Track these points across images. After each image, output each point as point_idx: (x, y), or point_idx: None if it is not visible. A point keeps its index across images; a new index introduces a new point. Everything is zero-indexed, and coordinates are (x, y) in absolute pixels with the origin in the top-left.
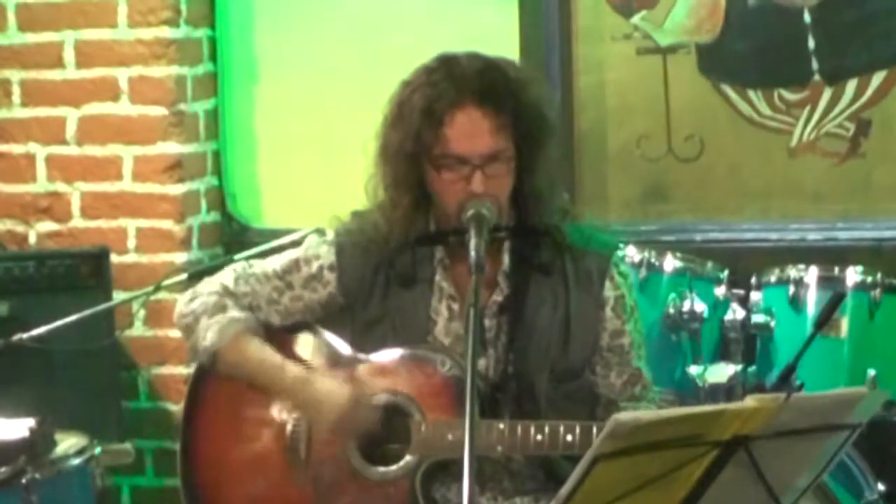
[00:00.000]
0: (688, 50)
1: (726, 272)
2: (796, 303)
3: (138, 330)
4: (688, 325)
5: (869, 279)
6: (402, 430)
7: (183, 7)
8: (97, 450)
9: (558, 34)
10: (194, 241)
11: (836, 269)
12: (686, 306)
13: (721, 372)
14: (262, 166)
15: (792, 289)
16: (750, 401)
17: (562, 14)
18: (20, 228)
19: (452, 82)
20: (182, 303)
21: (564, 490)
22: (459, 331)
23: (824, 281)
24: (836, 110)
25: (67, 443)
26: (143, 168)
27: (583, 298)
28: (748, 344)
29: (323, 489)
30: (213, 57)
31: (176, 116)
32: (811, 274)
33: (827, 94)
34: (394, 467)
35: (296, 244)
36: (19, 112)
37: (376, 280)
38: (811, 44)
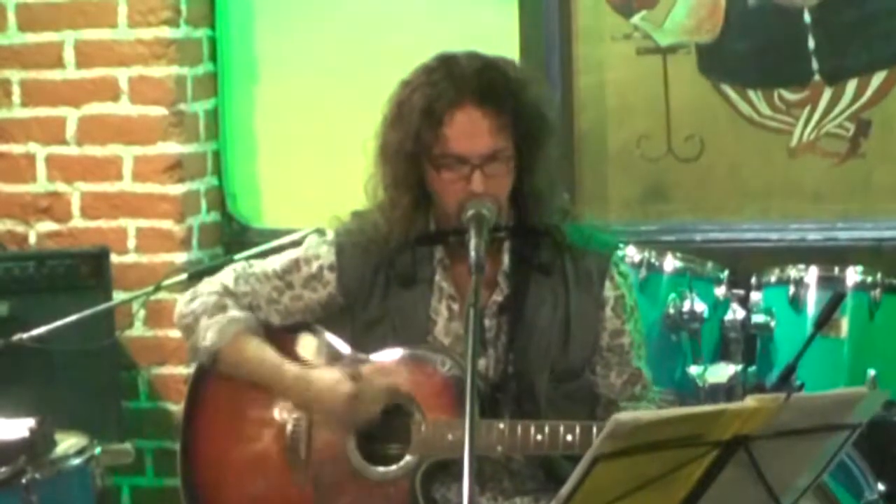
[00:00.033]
0: (688, 50)
1: (726, 272)
2: (796, 303)
3: (138, 330)
4: (688, 325)
5: (869, 279)
6: (403, 430)
7: (183, 7)
8: (97, 450)
9: (558, 34)
10: (194, 241)
11: (836, 270)
12: (686, 306)
13: (721, 372)
14: (262, 166)
15: (792, 289)
16: (750, 401)
17: (562, 14)
18: (20, 228)
19: (452, 82)
20: (182, 303)
21: (564, 490)
22: (459, 331)
23: (824, 281)
24: (836, 110)
25: (67, 443)
26: (143, 168)
27: (583, 298)
28: (748, 344)
29: (323, 489)
30: (213, 57)
31: (176, 116)
32: (811, 274)
33: (827, 94)
34: (394, 467)
35: (296, 244)
36: (19, 112)
37: (376, 280)
38: (811, 44)
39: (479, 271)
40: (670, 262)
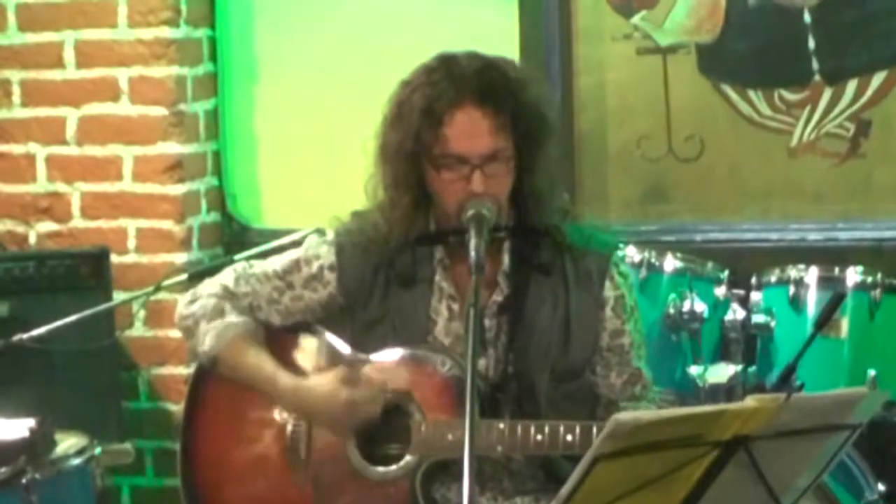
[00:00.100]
0: (688, 50)
1: (726, 272)
2: (796, 303)
3: (138, 330)
4: (688, 325)
5: (869, 279)
6: (403, 430)
7: (183, 7)
8: (97, 450)
9: (558, 34)
10: (194, 242)
11: (837, 270)
12: (686, 306)
13: (721, 372)
14: (262, 166)
15: (792, 289)
16: (750, 401)
17: (562, 14)
18: (20, 229)
19: (452, 82)
20: (182, 304)
21: (565, 490)
22: (459, 331)
23: (824, 281)
24: (837, 110)
25: (67, 443)
26: (144, 168)
27: (583, 298)
28: (748, 344)
29: (323, 489)
30: (213, 57)
31: (176, 116)
32: (811, 274)
33: (827, 94)
34: (394, 467)
35: (296, 244)
36: (19, 112)
37: (376, 280)
38: (811, 44)
39: (479, 271)
40: (670, 263)
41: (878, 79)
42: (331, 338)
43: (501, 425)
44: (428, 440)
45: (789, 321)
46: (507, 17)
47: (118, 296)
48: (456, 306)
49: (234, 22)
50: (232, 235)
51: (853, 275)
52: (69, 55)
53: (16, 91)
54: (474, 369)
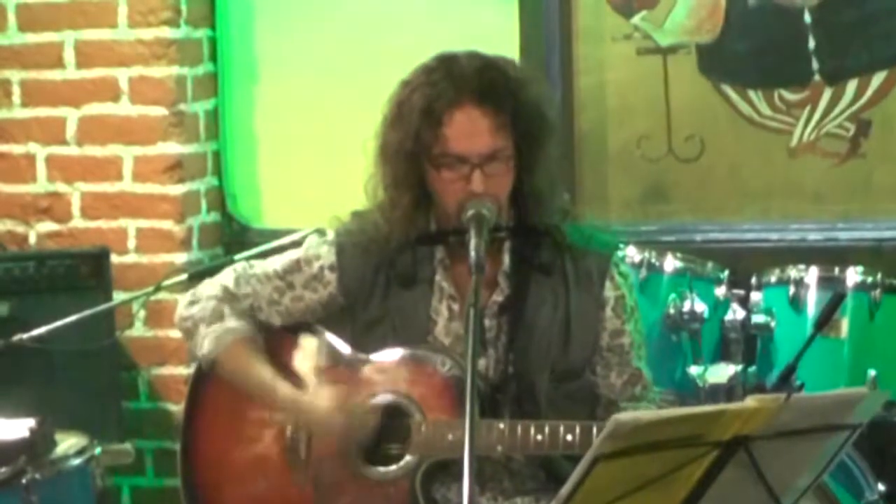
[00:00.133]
0: (688, 50)
1: (726, 272)
2: (796, 303)
3: (138, 330)
4: (688, 325)
5: (869, 279)
6: (403, 430)
7: (183, 7)
8: (97, 450)
9: (558, 34)
10: (194, 242)
11: (837, 270)
12: (686, 306)
13: (721, 372)
14: (262, 166)
15: (792, 289)
16: (750, 401)
17: (562, 14)
18: (20, 229)
19: (451, 81)
20: (182, 305)
21: (565, 490)
22: (460, 331)
23: (824, 281)
24: (837, 110)
25: (67, 443)
26: (144, 168)
27: (583, 298)
28: (748, 344)
29: (323, 489)
30: (214, 57)
31: (176, 117)
32: (811, 274)
33: (827, 94)
34: (394, 467)
35: (296, 244)
36: (19, 112)
37: (377, 280)
38: (811, 44)
39: (479, 271)
40: (670, 263)
41: (878, 79)
42: (331, 338)
43: (501, 425)
44: (428, 440)
45: (789, 321)
46: (507, 17)
47: (118, 296)
48: (456, 306)
49: (234, 22)
50: (232, 235)
51: (853, 275)
52: (69, 55)
53: (16, 91)
54: (474, 369)
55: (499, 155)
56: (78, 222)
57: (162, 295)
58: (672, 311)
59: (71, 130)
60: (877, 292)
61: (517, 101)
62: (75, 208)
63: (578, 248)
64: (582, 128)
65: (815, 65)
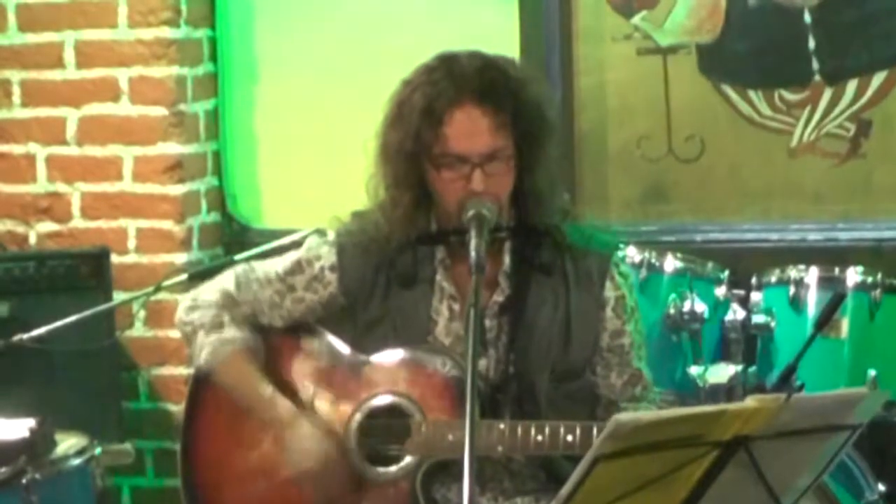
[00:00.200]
0: (688, 50)
1: (727, 273)
2: (797, 303)
3: (138, 330)
4: (688, 325)
5: (869, 280)
6: (403, 430)
7: (183, 7)
8: (97, 450)
9: (558, 34)
10: (194, 242)
11: (837, 270)
12: (686, 307)
13: (721, 372)
14: (262, 166)
15: (792, 289)
16: (750, 401)
17: (562, 14)
18: (20, 229)
19: (452, 81)
20: (182, 309)
21: (565, 490)
22: (460, 331)
23: (825, 281)
24: (837, 111)
25: (67, 443)
26: (144, 168)
27: (583, 298)
28: (748, 344)
29: (323, 490)
30: (214, 57)
31: (176, 117)
32: (811, 274)
33: (827, 94)
34: (394, 468)
35: (296, 245)
36: (19, 112)
37: (377, 280)
38: (811, 44)
39: (479, 271)
40: (671, 263)
41: (878, 79)
42: (332, 339)
43: (502, 426)
44: (428, 441)
45: (789, 321)
46: (507, 17)
47: (118, 296)
48: (457, 306)
49: (234, 22)
50: (232, 236)
51: (853, 275)
52: (69, 55)
53: (16, 91)
54: (474, 369)
55: (499, 154)
56: (78, 222)
57: (162, 295)
58: (672, 311)
59: (71, 130)
60: (877, 292)
61: (518, 101)
62: (75, 208)
63: (579, 248)
64: (582, 128)
65: (815, 65)
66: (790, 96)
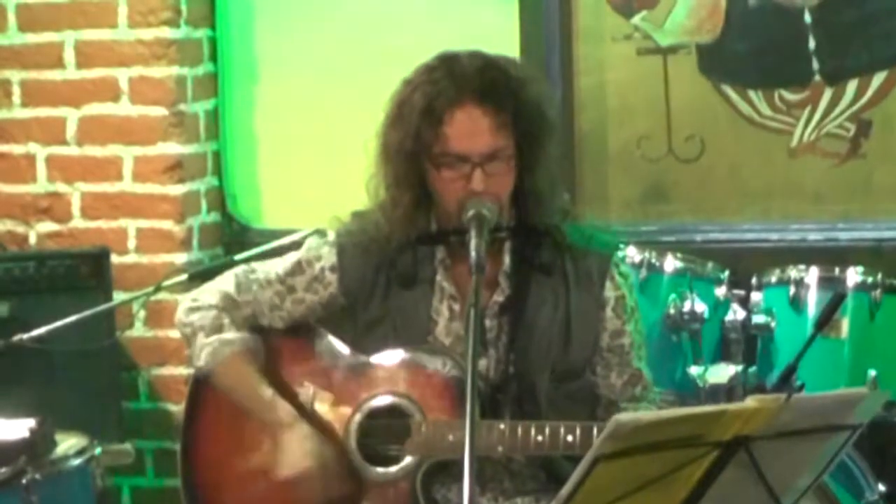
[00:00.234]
0: (688, 50)
1: (727, 273)
2: (797, 303)
3: (138, 330)
4: (688, 325)
5: (869, 280)
6: (403, 430)
7: (183, 7)
8: (97, 450)
9: (558, 34)
10: (194, 242)
11: (837, 270)
12: (686, 307)
13: (721, 372)
14: (262, 166)
15: (792, 289)
16: (750, 401)
17: (562, 14)
18: (20, 229)
19: (452, 80)
20: (182, 310)
21: (565, 490)
22: (460, 331)
23: (825, 281)
24: (837, 111)
25: (67, 443)
26: (144, 168)
27: (583, 298)
28: (749, 344)
29: (323, 490)
30: (214, 57)
31: (176, 117)
32: (812, 274)
33: (827, 94)
34: (394, 468)
35: (296, 245)
36: (19, 112)
37: (377, 280)
38: (812, 44)
39: (479, 271)
40: (671, 263)
41: (878, 79)
42: (332, 340)
43: (502, 426)
44: (428, 441)
45: (790, 321)
46: (507, 17)
47: (118, 296)
48: (457, 306)
49: (234, 22)
50: (232, 236)
51: (853, 275)
52: (69, 55)
53: (16, 91)
54: (475, 370)
55: (499, 154)
56: (78, 222)
57: (162, 295)
58: (672, 311)
59: (71, 130)
60: (877, 292)
61: (518, 101)
62: (75, 208)
63: (579, 248)
64: (582, 128)
65: (815, 65)
66: (790, 96)
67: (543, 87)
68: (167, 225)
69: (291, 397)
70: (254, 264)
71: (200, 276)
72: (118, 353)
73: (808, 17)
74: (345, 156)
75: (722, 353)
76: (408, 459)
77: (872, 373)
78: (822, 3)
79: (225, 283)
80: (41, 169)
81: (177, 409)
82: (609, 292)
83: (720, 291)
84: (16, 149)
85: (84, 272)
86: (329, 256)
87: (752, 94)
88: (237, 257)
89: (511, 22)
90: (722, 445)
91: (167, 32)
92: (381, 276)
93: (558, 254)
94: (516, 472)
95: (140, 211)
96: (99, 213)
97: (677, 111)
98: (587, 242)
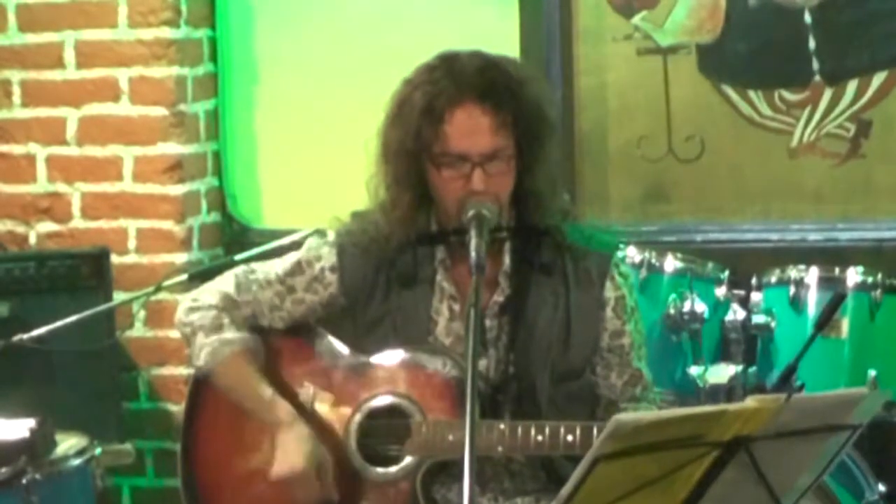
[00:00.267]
0: (688, 50)
1: (727, 273)
2: (797, 303)
3: (138, 330)
4: (688, 325)
5: (869, 280)
6: (403, 430)
7: (183, 7)
8: (97, 450)
9: (559, 34)
10: (195, 242)
11: (837, 270)
12: (686, 307)
13: (721, 372)
14: (262, 166)
15: (792, 289)
16: (750, 401)
17: (562, 14)
18: (20, 229)
19: (453, 80)
20: (182, 310)
21: (565, 490)
22: (460, 331)
23: (825, 281)
24: (837, 111)
25: (68, 443)
26: (144, 168)
27: (583, 298)
28: (749, 344)
29: (323, 491)
30: (214, 57)
31: (176, 117)
32: (812, 274)
33: (827, 94)
34: (394, 468)
35: (296, 245)
36: (20, 112)
37: (377, 280)
38: (812, 44)
39: (479, 271)
40: (671, 263)
41: (878, 79)
42: (331, 339)
43: (502, 426)
44: (428, 441)
45: (790, 321)
46: (507, 17)
47: (118, 296)
48: (457, 306)
49: (234, 22)
50: (232, 236)
51: (853, 275)
52: (69, 55)
53: (16, 91)
54: (475, 370)
55: (500, 154)
56: (78, 222)
57: (162, 295)
58: (672, 311)
59: (71, 130)
60: (877, 292)
61: (518, 101)
62: (75, 208)
63: (579, 248)
64: (582, 128)
65: (815, 65)
66: (790, 96)
67: (543, 87)
68: (167, 225)
69: (291, 397)
70: (254, 264)
71: (200, 276)
72: (118, 354)
73: (808, 17)
74: (345, 156)
75: (722, 354)
76: (408, 459)
77: (872, 373)
78: (823, 3)
79: (225, 283)
80: (41, 169)
81: (177, 409)
82: (609, 292)
83: (720, 291)
84: (16, 149)
85: (84, 272)
86: (329, 256)
87: (752, 94)
88: (237, 257)
89: (511, 22)
90: (722, 445)
91: (167, 32)
92: (381, 276)
93: (558, 254)
94: (516, 472)
95: (140, 211)
96: (99, 214)
97: (677, 111)
98: (587, 242)
